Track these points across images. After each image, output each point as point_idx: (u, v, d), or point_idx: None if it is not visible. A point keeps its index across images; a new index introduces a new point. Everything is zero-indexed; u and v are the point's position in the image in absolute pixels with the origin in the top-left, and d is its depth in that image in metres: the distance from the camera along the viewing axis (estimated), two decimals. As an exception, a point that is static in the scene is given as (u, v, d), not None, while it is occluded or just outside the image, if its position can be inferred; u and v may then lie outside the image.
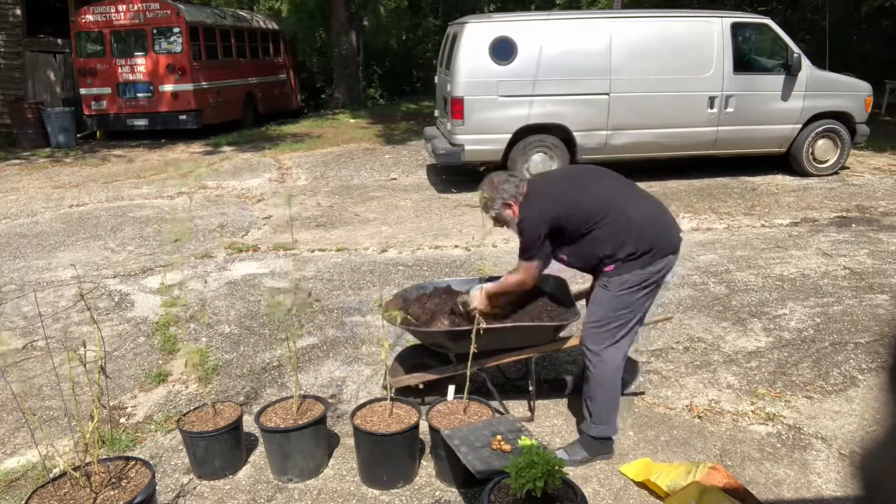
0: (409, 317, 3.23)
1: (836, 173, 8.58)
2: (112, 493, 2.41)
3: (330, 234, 6.71)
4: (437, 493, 2.83)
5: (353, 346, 4.21)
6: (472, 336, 2.94)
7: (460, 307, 3.27)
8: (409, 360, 3.46)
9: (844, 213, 6.90)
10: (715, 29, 7.95)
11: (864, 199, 7.42)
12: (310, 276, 5.46)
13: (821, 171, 8.50)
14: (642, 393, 3.56)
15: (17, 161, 11.39)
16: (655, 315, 3.59)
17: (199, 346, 4.27)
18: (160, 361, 4.11)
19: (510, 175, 3.12)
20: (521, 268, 3.07)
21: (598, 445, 3.00)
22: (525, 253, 3.03)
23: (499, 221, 3.12)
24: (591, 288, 3.16)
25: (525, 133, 7.93)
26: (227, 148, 12.06)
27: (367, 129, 13.76)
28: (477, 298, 3.19)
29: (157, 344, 4.33)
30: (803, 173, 8.51)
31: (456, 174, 9.09)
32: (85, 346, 2.46)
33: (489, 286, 3.22)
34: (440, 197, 8.17)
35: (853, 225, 6.49)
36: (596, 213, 2.90)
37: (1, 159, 11.50)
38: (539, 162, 8.04)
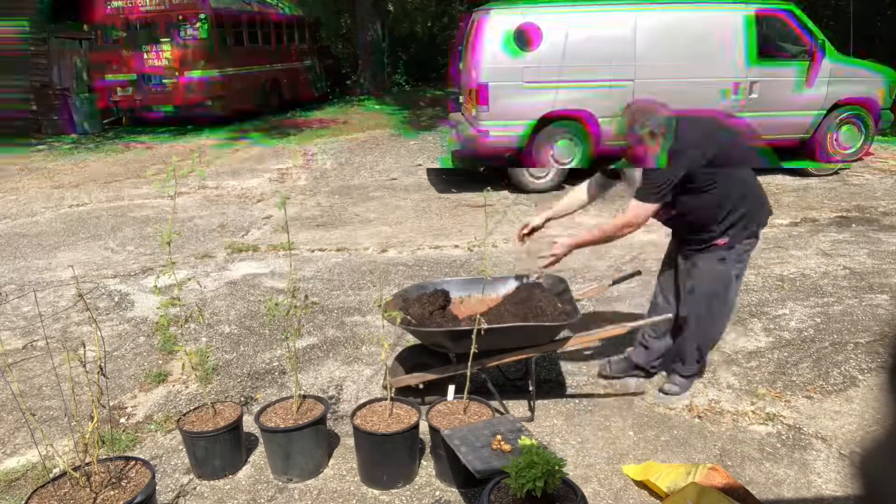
0: (408, 317, 3.23)
1: (859, 159, 8.56)
2: (112, 493, 2.41)
3: (331, 233, 6.71)
4: (437, 493, 2.83)
5: (353, 346, 4.21)
6: (473, 336, 2.94)
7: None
8: (409, 360, 3.46)
9: (844, 213, 6.90)
10: (739, 15, 7.92)
11: (864, 199, 7.42)
12: (310, 276, 5.46)
13: (845, 158, 8.50)
14: (642, 393, 3.56)
15: (42, 147, 11.29)
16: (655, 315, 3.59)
17: (200, 347, 4.27)
18: (160, 361, 4.11)
19: (663, 106, 2.98)
20: (635, 207, 2.95)
21: (692, 380, 3.43)
22: (651, 193, 2.88)
23: (636, 146, 2.92)
24: (672, 263, 3.25)
25: (549, 120, 7.93)
26: (251, 135, 11.95)
27: (391, 116, 13.63)
28: (562, 245, 3.21)
29: (157, 344, 4.33)
30: (827, 159, 8.48)
31: (456, 174, 9.08)
32: (85, 347, 2.46)
33: (581, 237, 3.21)
34: (440, 197, 8.16)
35: (853, 225, 6.49)
36: (726, 170, 2.90)
37: (26, 146, 11.41)
38: (563, 148, 8.04)
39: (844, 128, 8.42)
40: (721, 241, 3.01)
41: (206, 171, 9.91)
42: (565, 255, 3.22)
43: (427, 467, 2.98)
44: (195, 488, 2.90)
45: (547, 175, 8.12)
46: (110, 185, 9.23)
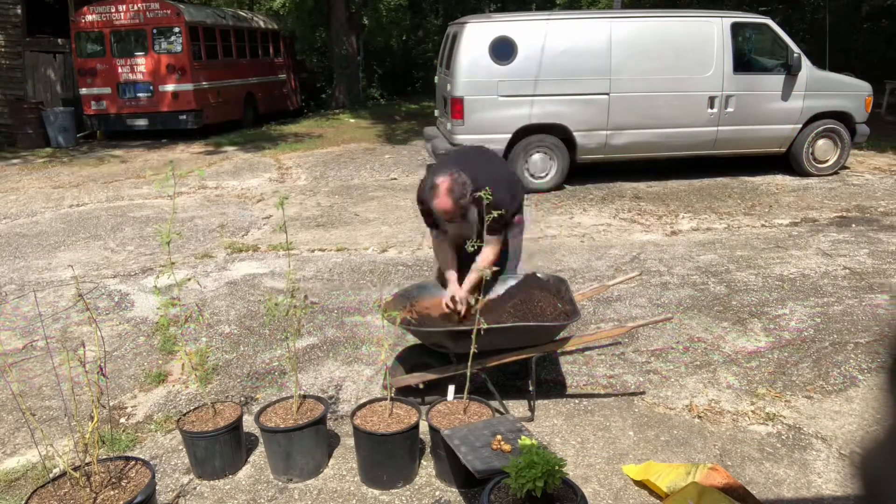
0: (407, 317, 3.23)
1: (836, 173, 8.58)
2: (112, 493, 2.41)
3: (330, 233, 6.71)
4: (437, 493, 2.83)
5: (353, 346, 4.21)
6: (473, 336, 2.94)
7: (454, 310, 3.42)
8: (409, 360, 3.46)
9: (844, 213, 6.90)
10: (715, 29, 7.95)
11: (864, 199, 7.42)
12: (310, 276, 5.46)
13: (821, 171, 8.51)
14: (642, 393, 3.56)
15: (16, 161, 11.40)
16: (655, 315, 3.59)
17: (199, 347, 4.27)
18: (160, 361, 4.11)
19: (453, 174, 3.29)
20: (495, 241, 3.46)
21: None
22: (502, 228, 3.43)
23: (467, 212, 3.35)
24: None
25: (525, 133, 7.93)
26: (227, 148, 12.07)
27: (367, 130, 13.77)
28: (462, 298, 3.42)
29: (157, 344, 4.33)
30: (803, 173, 8.52)
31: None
32: (85, 347, 2.46)
33: (472, 280, 3.44)
34: (440, 197, 8.16)
35: (853, 225, 6.49)
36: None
37: (0, 159, 11.50)
38: (539, 162, 8.05)
39: (821, 141, 8.42)
40: (517, 218, 3.74)
41: (206, 172, 9.93)
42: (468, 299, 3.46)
43: (427, 467, 2.98)
44: (195, 488, 2.90)
45: (547, 175, 8.13)
46: (110, 185, 9.23)
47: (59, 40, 14.42)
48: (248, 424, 3.19)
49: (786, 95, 8.18)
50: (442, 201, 3.28)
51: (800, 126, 8.31)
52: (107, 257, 6.15)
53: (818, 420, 3.27)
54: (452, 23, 8.85)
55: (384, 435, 2.79)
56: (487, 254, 3.45)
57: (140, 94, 13.15)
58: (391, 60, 22.98)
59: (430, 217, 3.54)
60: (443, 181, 3.28)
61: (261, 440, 3.10)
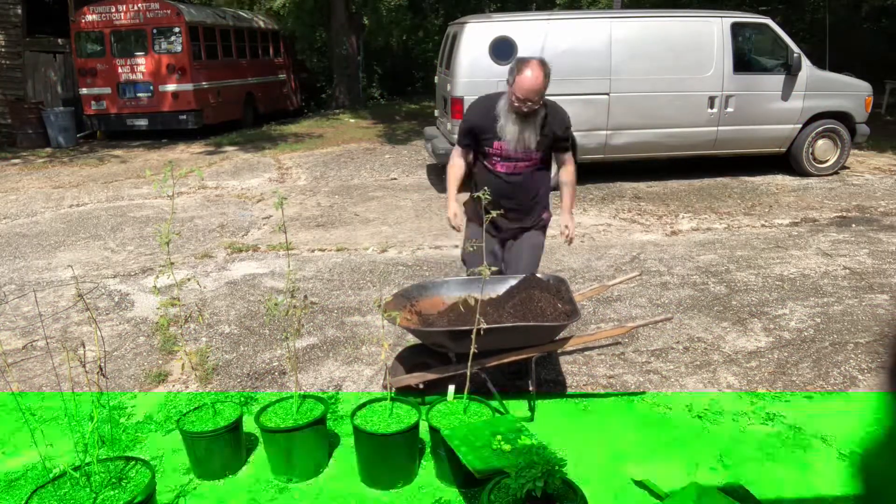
0: (407, 316, 3.23)
1: (836, 173, 8.59)
2: (112, 493, 2.41)
3: (330, 234, 6.71)
4: (437, 493, 2.83)
5: (353, 346, 4.21)
6: (472, 336, 2.94)
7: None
8: (409, 359, 3.46)
9: (844, 213, 6.90)
10: (715, 29, 7.95)
11: (864, 199, 7.42)
12: (310, 276, 5.46)
13: (821, 171, 8.51)
14: (642, 393, 3.56)
15: (16, 161, 11.41)
16: (655, 315, 3.59)
17: (200, 347, 4.27)
18: (160, 361, 4.11)
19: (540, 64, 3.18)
20: (570, 158, 3.59)
21: None
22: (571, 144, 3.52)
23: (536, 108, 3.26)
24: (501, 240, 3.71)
25: None
26: (227, 148, 12.08)
27: (367, 130, 13.78)
28: (570, 223, 3.62)
29: (157, 344, 4.33)
30: (803, 173, 8.52)
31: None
32: (85, 347, 2.46)
33: (569, 205, 3.64)
34: (440, 197, 8.16)
35: (853, 225, 6.49)
36: None
37: (0, 159, 11.51)
38: None
39: (821, 141, 8.42)
40: (546, 213, 3.67)
41: (205, 172, 9.93)
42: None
43: (427, 467, 2.98)
44: (195, 488, 2.90)
45: (547, 175, 8.12)
46: (110, 185, 9.23)
47: (59, 40, 14.42)
48: (249, 424, 3.19)
49: (786, 95, 8.18)
50: (537, 79, 3.12)
51: (800, 126, 8.32)
52: (107, 257, 6.15)
53: (818, 420, 3.27)
54: (452, 23, 8.85)
55: (384, 435, 2.79)
56: (571, 169, 3.57)
57: (140, 94, 13.17)
58: (391, 60, 23.00)
59: (471, 135, 3.50)
60: (532, 61, 3.13)
61: (261, 440, 3.09)
